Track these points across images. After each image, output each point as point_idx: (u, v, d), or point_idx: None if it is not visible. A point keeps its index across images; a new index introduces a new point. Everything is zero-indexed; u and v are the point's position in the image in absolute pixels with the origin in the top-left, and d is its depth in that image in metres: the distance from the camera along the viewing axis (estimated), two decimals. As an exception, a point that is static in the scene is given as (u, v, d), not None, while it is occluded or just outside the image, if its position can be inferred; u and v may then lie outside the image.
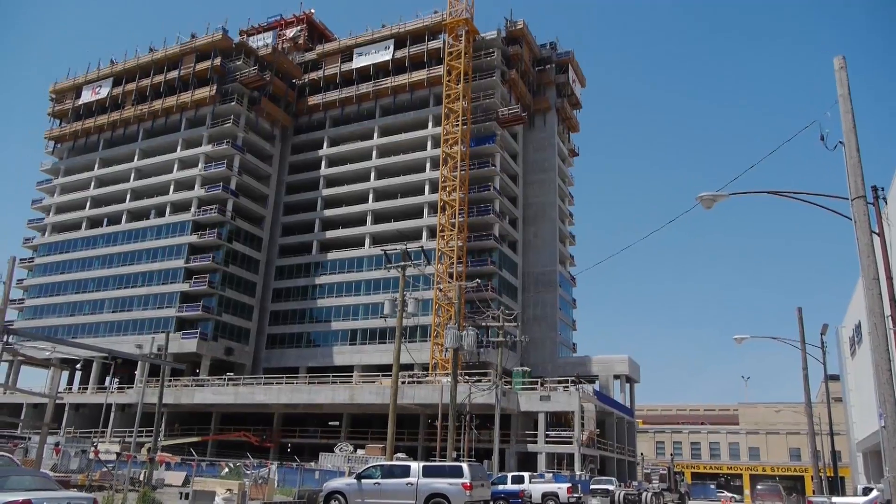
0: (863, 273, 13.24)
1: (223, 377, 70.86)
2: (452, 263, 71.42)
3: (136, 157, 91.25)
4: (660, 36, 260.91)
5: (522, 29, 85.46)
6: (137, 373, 79.74)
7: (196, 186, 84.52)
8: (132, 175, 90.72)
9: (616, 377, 77.92)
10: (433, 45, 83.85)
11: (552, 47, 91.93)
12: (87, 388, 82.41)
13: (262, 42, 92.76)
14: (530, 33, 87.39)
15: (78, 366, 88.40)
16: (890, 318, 14.19)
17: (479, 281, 60.11)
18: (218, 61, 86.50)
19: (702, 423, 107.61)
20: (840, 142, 14.41)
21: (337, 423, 67.16)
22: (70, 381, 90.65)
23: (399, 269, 33.46)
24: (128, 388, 78.31)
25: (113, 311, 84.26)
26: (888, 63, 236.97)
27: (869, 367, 16.71)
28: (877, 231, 14.62)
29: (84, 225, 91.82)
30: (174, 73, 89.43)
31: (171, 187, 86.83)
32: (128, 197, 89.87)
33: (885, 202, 16.12)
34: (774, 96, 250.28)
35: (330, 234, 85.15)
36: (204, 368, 77.69)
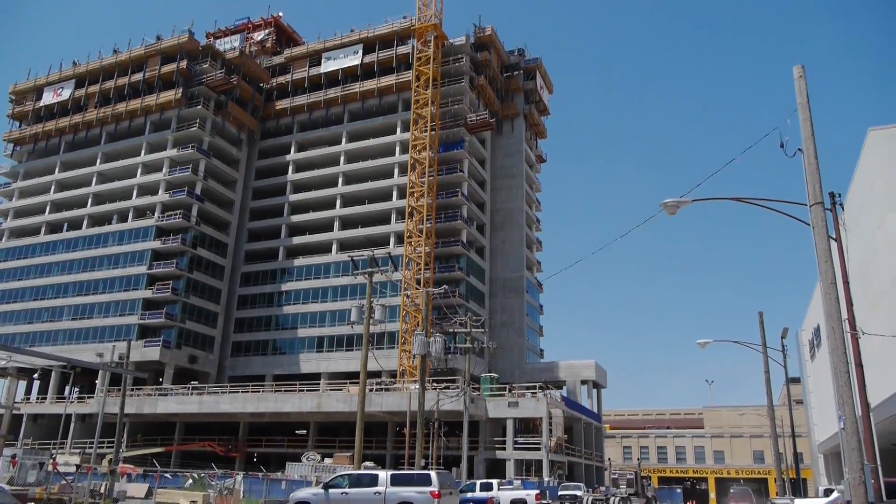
0: (821, 278, 13.45)
1: (187, 386, 69.69)
2: (420, 269, 71.29)
3: (98, 161, 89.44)
4: (627, 43, 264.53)
5: (491, 35, 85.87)
6: (98, 382, 77.80)
7: (160, 191, 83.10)
8: (94, 179, 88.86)
9: (583, 382, 78.40)
10: (402, 50, 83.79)
11: (520, 54, 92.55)
12: (45, 399, 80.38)
13: (229, 45, 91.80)
14: (499, 40, 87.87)
15: (36, 375, 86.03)
16: (847, 321, 14.43)
17: (447, 287, 59.99)
18: (184, 64, 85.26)
19: (668, 428, 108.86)
20: (799, 149, 14.64)
21: (304, 431, 66.44)
22: (28, 391, 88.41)
23: (366, 276, 33.24)
24: (88, 397, 76.47)
25: (73, 319, 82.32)
26: (848, 71, 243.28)
27: (828, 370, 16.99)
28: (834, 237, 14.88)
29: (43, 230, 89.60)
30: (139, 76, 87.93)
31: (135, 192, 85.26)
32: (89, 201, 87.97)
33: (842, 208, 16.41)
34: (741, 102, 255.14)
35: (297, 240, 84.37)
36: (167, 377, 76.27)
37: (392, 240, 77.91)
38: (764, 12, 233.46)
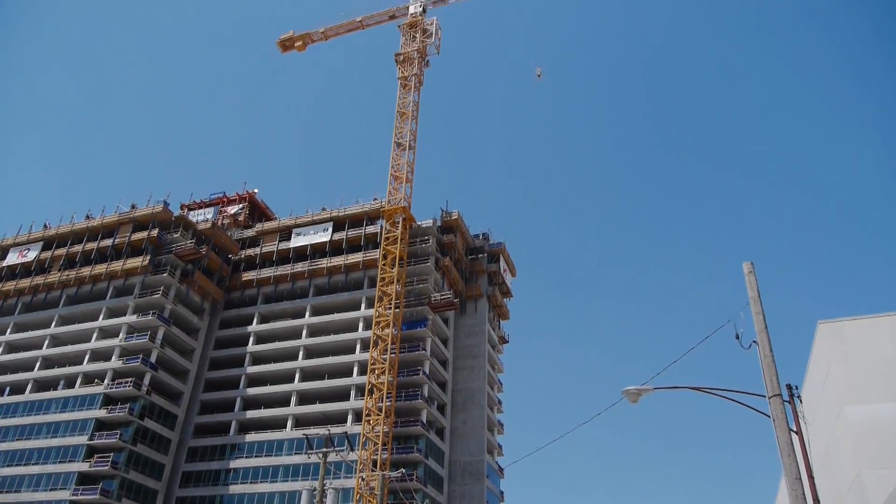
0: (785, 472, 13.25)
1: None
2: (377, 450, 68.51)
3: (53, 324, 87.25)
4: (588, 231, 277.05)
5: (457, 219, 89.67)
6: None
7: (113, 357, 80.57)
8: (46, 342, 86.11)
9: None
10: (371, 229, 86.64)
11: (485, 238, 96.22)
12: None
13: (202, 217, 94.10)
14: (464, 223, 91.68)
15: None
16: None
17: (404, 471, 57.46)
18: (155, 232, 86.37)
19: None
20: (754, 341, 15.04)
21: None
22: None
23: (320, 455, 31.83)
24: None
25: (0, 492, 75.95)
26: (797, 263, 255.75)
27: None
28: (795, 429, 14.89)
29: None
30: (108, 241, 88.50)
31: (87, 357, 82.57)
32: (37, 365, 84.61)
33: (801, 400, 16.60)
34: (698, 289, 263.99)
35: (251, 413, 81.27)
36: (92, 562, 69.39)
37: (350, 417, 75.58)
38: (719, 207, 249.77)
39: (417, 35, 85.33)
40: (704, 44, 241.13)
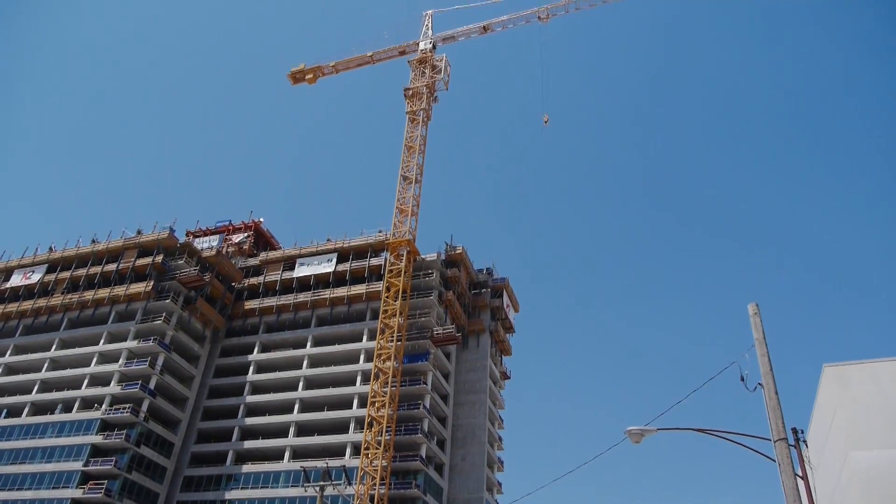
0: (790, 518, 13.07)
1: None
2: (375, 484, 67.62)
3: (54, 347, 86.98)
4: (593, 269, 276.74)
5: (461, 253, 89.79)
6: None
7: (112, 383, 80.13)
8: (45, 365, 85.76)
9: None
10: (375, 261, 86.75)
11: (488, 272, 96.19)
12: None
13: (207, 244, 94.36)
14: (468, 258, 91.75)
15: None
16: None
17: (402, 505, 56.62)
18: (160, 258, 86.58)
19: None
20: (759, 383, 14.97)
21: None
22: None
23: (317, 489, 31.48)
24: None
25: (-11, 517, 74.95)
26: (803, 304, 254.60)
27: None
28: (800, 474, 14.73)
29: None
30: (112, 266, 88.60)
31: (86, 381, 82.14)
32: (35, 388, 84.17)
33: (806, 445, 16.45)
34: (704, 329, 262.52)
35: (248, 443, 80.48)
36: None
37: (349, 450, 74.80)
38: (724, 248, 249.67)
39: (427, 71, 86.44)
40: (706, 90, 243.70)
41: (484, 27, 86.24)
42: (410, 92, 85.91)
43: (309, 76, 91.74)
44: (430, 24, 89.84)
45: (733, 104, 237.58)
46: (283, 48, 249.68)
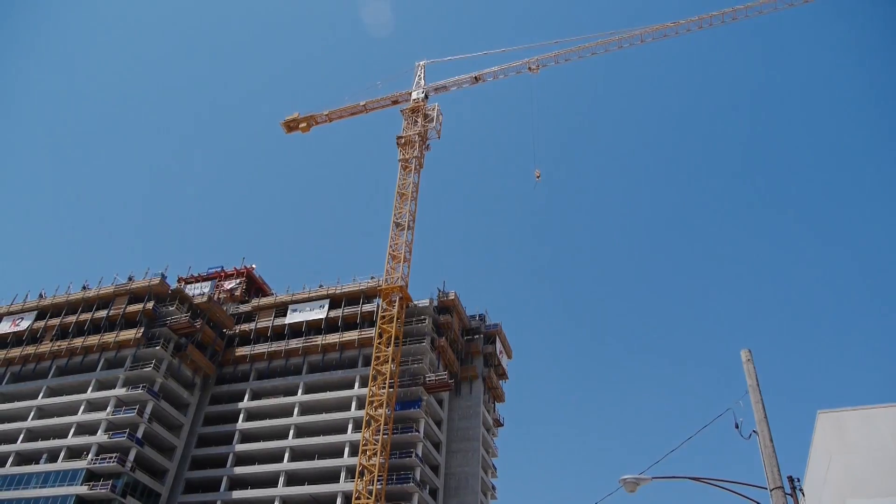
0: (789, 568, 12.97)
1: None
2: (366, 536, 66.18)
3: (41, 395, 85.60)
4: (585, 316, 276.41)
5: (454, 300, 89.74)
6: None
7: (99, 431, 78.70)
8: (32, 414, 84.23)
9: None
10: (367, 307, 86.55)
11: (481, 319, 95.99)
12: None
13: (199, 290, 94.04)
14: (461, 304, 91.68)
15: None
16: None
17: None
18: (150, 305, 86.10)
19: None
20: (754, 431, 15.00)
21: None
22: None
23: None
24: None
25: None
26: (795, 351, 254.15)
27: None
28: (798, 523, 14.64)
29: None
30: (103, 313, 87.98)
31: (72, 430, 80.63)
32: (21, 437, 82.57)
33: (803, 493, 16.38)
34: (697, 376, 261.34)
35: (237, 494, 78.81)
36: None
37: (339, 501, 73.39)
38: (717, 293, 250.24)
39: (419, 119, 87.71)
40: (698, 140, 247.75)
41: (475, 77, 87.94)
42: (403, 140, 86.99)
43: (303, 125, 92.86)
44: (422, 75, 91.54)
45: (722, 154, 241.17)
46: (278, 97, 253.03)
